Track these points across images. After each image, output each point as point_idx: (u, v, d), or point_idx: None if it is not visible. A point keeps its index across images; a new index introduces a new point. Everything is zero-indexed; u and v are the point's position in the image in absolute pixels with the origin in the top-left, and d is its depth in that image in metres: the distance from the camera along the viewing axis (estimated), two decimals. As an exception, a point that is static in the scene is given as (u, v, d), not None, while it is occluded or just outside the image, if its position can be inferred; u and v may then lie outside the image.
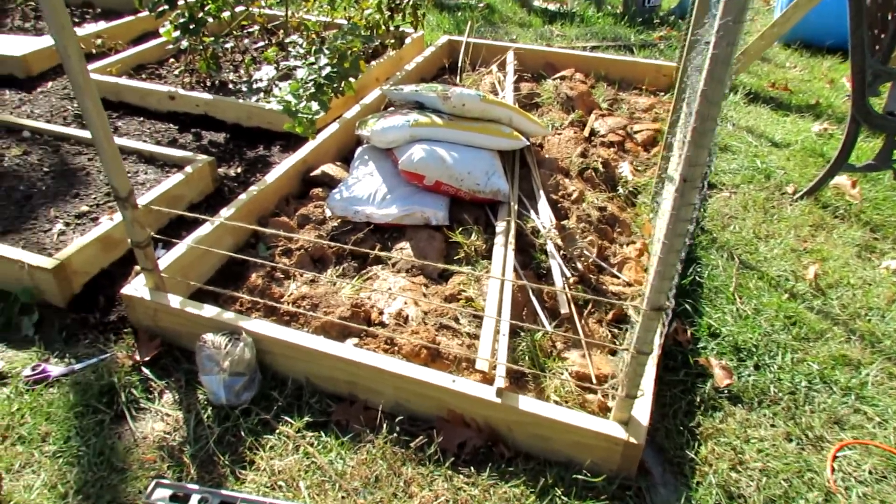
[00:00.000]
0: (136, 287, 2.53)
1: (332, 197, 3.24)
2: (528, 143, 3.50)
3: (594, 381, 2.41)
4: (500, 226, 3.10)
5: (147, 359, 2.45)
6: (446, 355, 2.47)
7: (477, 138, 3.33)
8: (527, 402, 2.09)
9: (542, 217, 3.18)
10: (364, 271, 3.00)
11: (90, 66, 4.48)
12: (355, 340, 2.54)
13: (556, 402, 2.31)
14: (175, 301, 2.46)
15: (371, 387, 2.29)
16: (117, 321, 2.64)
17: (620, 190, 3.69)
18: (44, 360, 2.48)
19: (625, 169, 3.84)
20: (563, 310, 2.66)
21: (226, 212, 2.98)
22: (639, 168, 3.94)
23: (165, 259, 2.66)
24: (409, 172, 3.15)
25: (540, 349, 2.53)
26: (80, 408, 2.28)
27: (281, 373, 2.42)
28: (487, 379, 2.30)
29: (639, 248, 3.15)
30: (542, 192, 3.35)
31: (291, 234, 3.12)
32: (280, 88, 4.37)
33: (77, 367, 2.44)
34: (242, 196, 3.11)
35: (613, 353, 2.63)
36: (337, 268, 3.00)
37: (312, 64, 3.45)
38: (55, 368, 2.42)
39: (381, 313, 2.74)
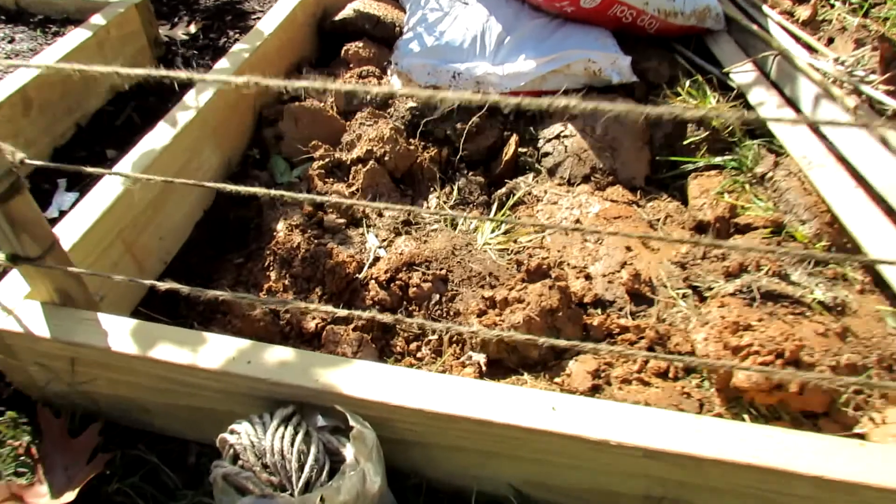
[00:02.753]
0: (7, 303, 0.95)
1: (404, 49, 1.64)
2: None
3: None
4: (742, 72, 1.58)
5: (71, 498, 0.91)
6: (811, 364, 1.02)
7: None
8: None
9: (783, 43, 1.66)
10: (498, 192, 1.48)
11: None
12: (593, 365, 1.06)
13: None
14: (122, 341, 0.90)
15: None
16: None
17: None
18: None
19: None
20: None
21: (194, 99, 1.36)
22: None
23: (78, 218, 1.07)
24: (559, -20, 1.56)
25: None
26: None
27: (435, 480, 0.93)
28: None
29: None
30: None
31: (342, 132, 1.54)
32: None
33: None
34: (223, 62, 1.48)
35: None
36: (445, 188, 1.47)
37: None
38: None
39: (587, 277, 1.24)
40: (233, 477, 0.75)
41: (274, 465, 0.76)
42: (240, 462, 0.77)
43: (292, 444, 0.77)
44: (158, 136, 1.25)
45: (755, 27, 1.63)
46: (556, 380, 1.04)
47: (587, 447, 0.79)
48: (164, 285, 0.81)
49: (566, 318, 1.09)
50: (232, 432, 0.80)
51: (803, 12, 1.99)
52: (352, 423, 0.77)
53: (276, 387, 0.84)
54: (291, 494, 0.73)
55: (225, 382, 0.87)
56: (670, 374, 1.07)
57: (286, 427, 0.80)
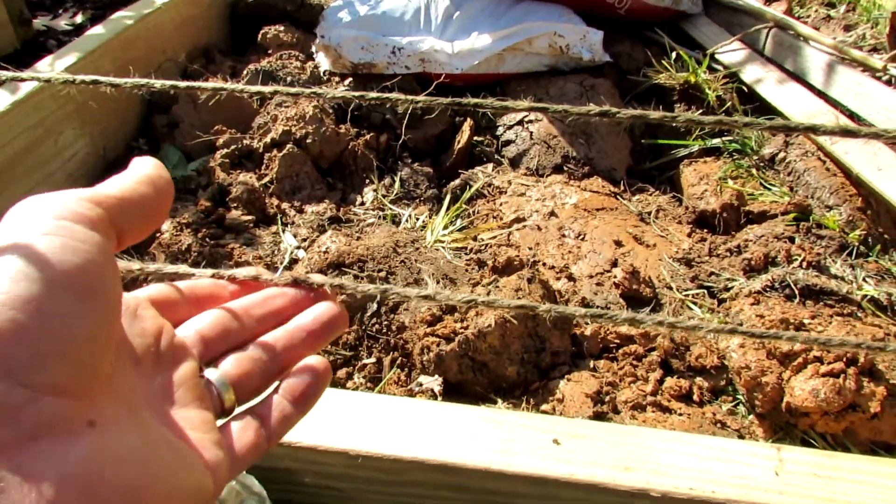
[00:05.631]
0: None
1: (332, 19, 1.36)
2: None
3: None
4: (729, 51, 1.37)
5: None
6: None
7: None
8: None
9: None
10: (451, 184, 1.20)
11: None
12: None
13: None
14: None
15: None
16: None
17: None
18: None
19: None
20: None
21: (49, 65, 1.04)
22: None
23: None
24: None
25: None
26: None
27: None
28: None
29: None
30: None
31: (254, 117, 1.23)
32: None
33: None
34: (98, 30, 1.17)
35: None
36: (385, 180, 1.17)
37: None
38: None
39: (570, 278, 0.96)
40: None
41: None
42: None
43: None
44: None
45: (742, 2, 1.43)
46: (544, 407, 0.73)
47: (613, 505, 0.49)
48: None
49: (552, 324, 0.79)
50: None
51: (778, 7, 1.84)
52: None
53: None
54: None
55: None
56: (695, 397, 0.78)
57: None
